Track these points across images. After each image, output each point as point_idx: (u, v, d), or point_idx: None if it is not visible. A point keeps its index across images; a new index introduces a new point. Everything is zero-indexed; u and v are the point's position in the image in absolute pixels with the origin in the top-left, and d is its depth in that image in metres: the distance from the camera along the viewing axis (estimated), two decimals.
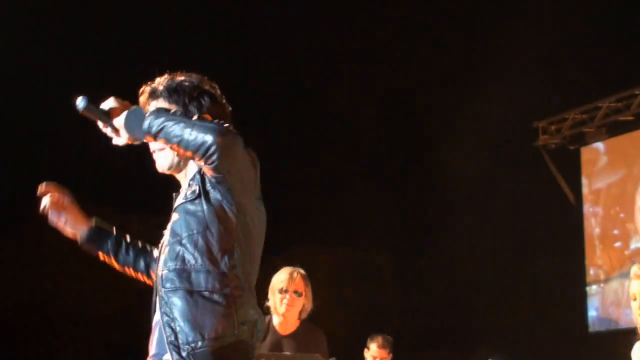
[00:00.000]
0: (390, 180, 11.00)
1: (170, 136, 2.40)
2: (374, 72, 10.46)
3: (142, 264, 2.82)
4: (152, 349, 2.54)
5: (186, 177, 2.64)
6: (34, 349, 9.83)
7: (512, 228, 10.12)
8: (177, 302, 2.40)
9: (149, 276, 2.81)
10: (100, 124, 2.56)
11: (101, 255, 2.83)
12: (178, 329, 2.38)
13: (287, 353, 4.62)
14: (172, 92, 2.63)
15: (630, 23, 9.36)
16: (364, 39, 10.34)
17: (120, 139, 2.56)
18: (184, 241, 2.46)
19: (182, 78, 2.68)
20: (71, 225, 2.78)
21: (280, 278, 4.85)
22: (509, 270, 10.09)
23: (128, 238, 2.85)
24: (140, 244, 2.86)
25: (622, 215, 10.03)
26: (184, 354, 2.36)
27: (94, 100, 2.54)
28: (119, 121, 2.51)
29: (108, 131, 2.57)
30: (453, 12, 10.16)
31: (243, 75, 9.53)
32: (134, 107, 2.53)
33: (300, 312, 4.92)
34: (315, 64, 10.26)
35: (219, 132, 2.36)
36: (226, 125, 2.45)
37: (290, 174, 10.02)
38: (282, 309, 4.83)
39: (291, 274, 4.85)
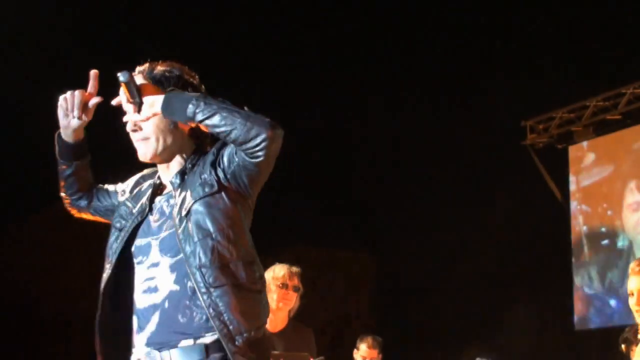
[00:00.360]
0: (374, 186, 10.97)
1: (220, 124, 2.39)
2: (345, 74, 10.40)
3: (82, 203, 2.83)
4: (149, 332, 2.50)
5: (169, 169, 2.63)
6: (24, 348, 9.78)
7: (499, 226, 10.13)
8: (225, 297, 2.41)
9: (70, 204, 2.84)
10: (125, 99, 2.54)
11: (62, 165, 2.77)
12: (229, 321, 2.40)
13: (276, 352, 4.54)
14: (157, 82, 2.59)
15: (616, 23, 9.37)
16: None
17: (138, 116, 2.52)
18: (214, 235, 2.46)
19: (165, 67, 2.63)
20: (80, 125, 2.67)
21: (279, 273, 4.77)
22: (496, 268, 10.09)
23: (86, 171, 2.82)
24: (90, 182, 2.84)
25: (609, 212, 10.06)
26: (238, 343, 2.39)
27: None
28: (151, 100, 2.49)
29: (129, 107, 2.53)
30: (444, 14, 10.12)
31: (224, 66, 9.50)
32: (173, 91, 2.50)
33: (290, 310, 4.87)
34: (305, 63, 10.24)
35: (272, 125, 2.38)
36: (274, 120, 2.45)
37: (280, 177, 9.98)
38: (282, 304, 4.76)
39: (290, 270, 4.82)
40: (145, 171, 2.80)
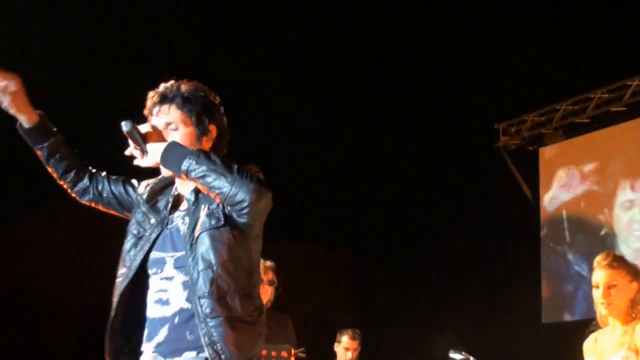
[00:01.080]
0: (356, 183, 11.01)
1: (209, 186, 2.46)
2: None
3: (82, 184, 2.82)
4: (155, 344, 2.57)
5: (184, 184, 2.66)
6: (18, 338, 9.74)
7: (473, 223, 10.22)
8: (219, 328, 2.46)
9: (75, 191, 2.83)
10: (132, 144, 2.57)
11: (37, 152, 2.77)
12: (220, 350, 2.45)
13: None
14: (185, 100, 2.64)
15: (585, 30, 9.45)
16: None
17: (145, 162, 2.57)
18: (215, 268, 2.50)
19: (192, 87, 2.68)
20: (13, 109, 2.66)
21: None
22: (469, 262, 10.18)
23: (66, 147, 2.81)
24: (81, 160, 2.84)
25: (578, 210, 10.15)
26: None
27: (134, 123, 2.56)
28: (154, 149, 2.53)
29: (136, 152, 2.57)
30: (420, 20, 10.17)
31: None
32: (172, 142, 2.54)
33: (267, 302, 4.96)
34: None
35: (256, 190, 2.45)
36: (261, 178, 2.51)
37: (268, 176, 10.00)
38: None
39: (264, 264, 4.87)
40: (159, 178, 2.79)
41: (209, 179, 2.45)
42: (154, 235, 2.64)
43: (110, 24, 8.77)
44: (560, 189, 10.39)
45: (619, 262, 3.55)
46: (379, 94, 10.51)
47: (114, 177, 2.85)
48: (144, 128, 2.56)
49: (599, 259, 3.59)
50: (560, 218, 10.29)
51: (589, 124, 10.14)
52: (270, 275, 4.87)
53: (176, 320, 2.54)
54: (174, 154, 2.50)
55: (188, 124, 2.64)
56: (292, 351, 4.63)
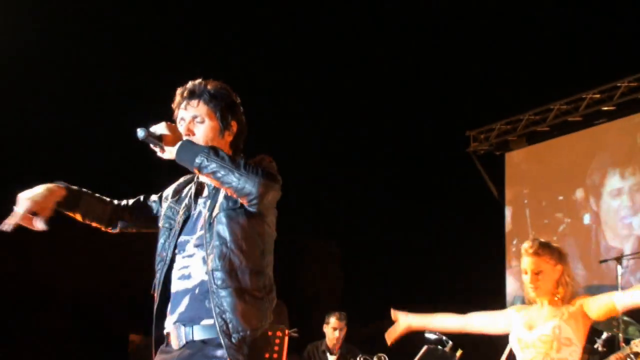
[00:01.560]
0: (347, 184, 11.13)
1: (220, 181, 2.45)
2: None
3: (120, 225, 2.81)
4: (178, 314, 2.56)
5: None
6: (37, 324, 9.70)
7: (446, 218, 10.28)
8: (228, 298, 2.45)
9: (112, 227, 2.80)
10: (152, 145, 2.55)
11: (74, 215, 2.73)
12: (229, 319, 2.44)
13: None
14: (212, 97, 2.63)
15: (545, 46, 9.56)
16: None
17: (165, 156, 2.56)
18: (229, 244, 2.51)
19: (218, 85, 2.68)
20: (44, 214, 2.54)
21: None
22: (442, 254, 10.26)
23: (93, 195, 2.77)
24: (106, 199, 2.80)
25: (536, 209, 10.26)
26: (234, 340, 2.43)
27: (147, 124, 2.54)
28: (170, 149, 2.51)
29: (157, 149, 2.55)
30: (402, 31, 10.21)
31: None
32: (185, 141, 2.52)
33: None
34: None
35: (263, 184, 2.43)
36: (271, 172, 2.48)
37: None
38: None
39: None
40: (182, 179, 2.81)
41: (219, 174, 2.43)
42: (181, 221, 2.65)
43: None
44: (523, 190, 10.56)
45: (544, 248, 3.51)
46: (371, 99, 10.54)
47: (136, 199, 2.85)
48: (159, 129, 2.52)
49: (525, 247, 3.55)
50: (524, 215, 10.42)
51: (548, 132, 10.23)
52: None
53: (197, 291, 2.52)
54: (187, 152, 2.48)
55: (213, 118, 2.63)
56: (286, 331, 4.82)
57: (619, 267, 6.28)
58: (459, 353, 5.43)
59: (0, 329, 9.39)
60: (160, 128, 2.54)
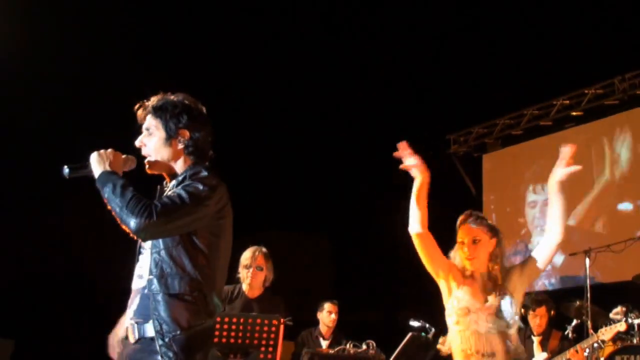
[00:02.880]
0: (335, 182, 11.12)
1: (111, 208, 2.47)
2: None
3: None
4: (132, 310, 2.61)
5: (169, 181, 2.70)
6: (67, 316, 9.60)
7: (429, 216, 10.27)
8: (160, 302, 2.50)
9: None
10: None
11: None
12: (162, 321, 2.49)
13: (253, 313, 4.75)
14: (157, 109, 2.65)
15: (519, 53, 9.59)
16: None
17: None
18: (162, 252, 2.54)
19: (169, 98, 2.68)
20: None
21: (246, 255, 4.99)
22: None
23: None
24: None
25: (508, 209, 10.34)
26: (166, 339, 2.48)
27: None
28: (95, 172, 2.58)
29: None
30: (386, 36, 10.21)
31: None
32: (99, 174, 2.55)
33: (264, 281, 5.10)
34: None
35: (142, 225, 2.39)
36: (166, 208, 2.43)
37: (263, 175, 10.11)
38: (247, 280, 5.03)
39: (254, 253, 4.99)
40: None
41: (110, 206, 2.47)
42: None
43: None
44: (499, 189, 10.60)
45: (480, 220, 3.44)
46: (357, 101, 10.51)
47: None
48: (91, 158, 2.58)
49: (462, 217, 3.48)
50: (502, 212, 10.47)
51: (522, 135, 10.31)
52: (259, 262, 4.96)
53: (146, 291, 2.56)
54: (98, 182, 2.53)
55: (160, 129, 2.64)
56: (282, 320, 4.83)
57: (587, 259, 6.32)
58: (441, 340, 5.42)
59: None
60: (91, 158, 2.58)
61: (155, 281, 2.52)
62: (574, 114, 9.70)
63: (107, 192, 2.49)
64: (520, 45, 9.65)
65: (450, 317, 3.37)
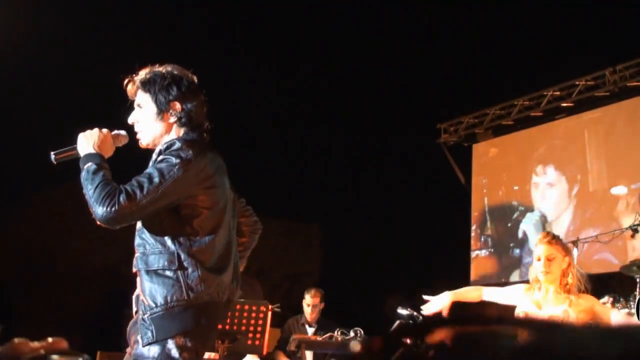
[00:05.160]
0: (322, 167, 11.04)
1: (86, 191, 2.41)
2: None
3: None
4: (136, 294, 2.57)
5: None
6: (40, 298, 9.65)
7: (419, 204, 10.30)
8: (142, 280, 2.46)
9: None
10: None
11: None
12: (143, 299, 2.44)
13: (241, 300, 4.73)
14: (145, 83, 2.56)
15: (508, 44, 9.56)
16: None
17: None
18: (140, 230, 2.52)
19: (157, 70, 2.58)
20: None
21: None
22: (415, 237, 10.27)
23: None
24: None
25: (500, 193, 10.29)
26: (146, 317, 2.41)
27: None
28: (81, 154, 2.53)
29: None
30: (379, 29, 10.15)
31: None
32: (82, 157, 2.49)
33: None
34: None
35: (101, 213, 2.32)
36: (117, 198, 2.34)
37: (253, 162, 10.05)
38: None
39: None
40: None
41: (85, 188, 2.40)
42: None
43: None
44: (488, 178, 10.57)
45: (556, 240, 3.67)
46: (349, 90, 10.47)
47: None
48: (80, 144, 2.52)
49: (540, 237, 3.70)
50: (489, 202, 10.44)
51: (512, 125, 10.29)
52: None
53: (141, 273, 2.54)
54: (80, 163, 2.47)
55: (149, 102, 2.56)
56: (270, 307, 4.79)
57: (575, 249, 6.30)
58: None
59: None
60: (79, 142, 2.51)
61: (138, 259, 2.48)
62: (565, 105, 9.68)
63: (82, 179, 2.42)
64: (511, 36, 9.64)
65: None
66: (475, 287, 4.01)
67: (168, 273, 2.42)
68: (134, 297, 2.56)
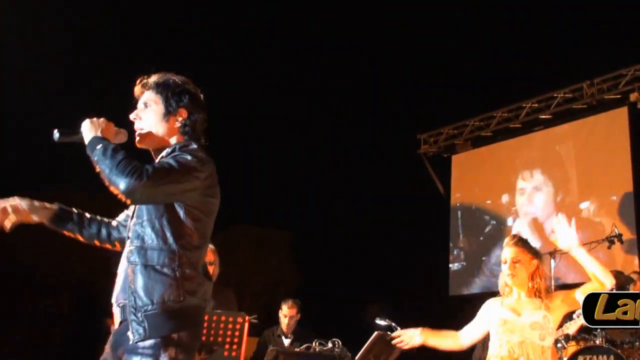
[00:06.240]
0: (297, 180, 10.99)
1: (100, 172, 2.37)
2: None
3: (104, 234, 2.74)
4: (117, 292, 2.50)
5: (156, 158, 2.60)
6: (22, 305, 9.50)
7: (398, 213, 10.32)
8: (137, 274, 2.38)
9: (112, 244, 2.76)
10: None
11: (67, 233, 2.73)
12: (136, 295, 2.37)
13: (218, 310, 4.61)
14: (159, 85, 2.60)
15: (488, 59, 9.67)
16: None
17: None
18: (144, 223, 2.45)
19: (171, 77, 2.64)
20: (27, 218, 2.64)
21: None
22: (393, 247, 10.29)
23: (87, 215, 2.75)
24: (99, 218, 2.76)
25: (479, 205, 10.34)
26: (139, 315, 2.35)
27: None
28: (85, 137, 2.49)
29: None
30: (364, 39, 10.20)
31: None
32: (90, 138, 2.46)
33: (212, 276, 5.00)
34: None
35: (132, 184, 2.30)
36: (159, 171, 2.35)
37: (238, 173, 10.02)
38: None
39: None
40: None
41: (99, 167, 2.35)
42: (131, 211, 2.60)
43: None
44: (466, 188, 10.60)
45: (523, 242, 3.60)
46: (329, 101, 10.50)
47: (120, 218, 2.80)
48: (82, 125, 2.50)
49: (507, 240, 3.63)
50: (468, 211, 10.50)
51: (491, 137, 10.35)
52: (211, 257, 4.81)
53: (126, 272, 2.45)
54: (88, 146, 2.43)
55: (158, 103, 2.58)
56: (247, 317, 4.74)
57: (552, 260, 6.33)
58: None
59: None
60: (83, 125, 2.50)
61: (135, 252, 2.41)
62: (543, 116, 9.74)
63: (97, 154, 2.38)
64: (490, 49, 9.74)
65: (496, 327, 3.58)
66: (452, 332, 3.91)
67: (166, 271, 2.39)
68: (117, 306, 2.48)
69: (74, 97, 7.89)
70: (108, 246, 2.78)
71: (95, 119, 2.53)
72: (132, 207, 2.58)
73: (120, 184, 2.30)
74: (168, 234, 2.43)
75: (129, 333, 2.34)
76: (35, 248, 9.38)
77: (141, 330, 2.34)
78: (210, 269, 4.76)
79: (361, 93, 10.39)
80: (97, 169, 2.38)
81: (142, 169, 2.33)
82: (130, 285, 2.39)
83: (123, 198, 2.33)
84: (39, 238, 9.29)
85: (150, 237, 2.43)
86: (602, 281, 3.29)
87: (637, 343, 5.59)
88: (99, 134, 2.47)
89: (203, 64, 9.30)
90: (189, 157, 2.45)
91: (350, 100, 10.41)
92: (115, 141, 2.54)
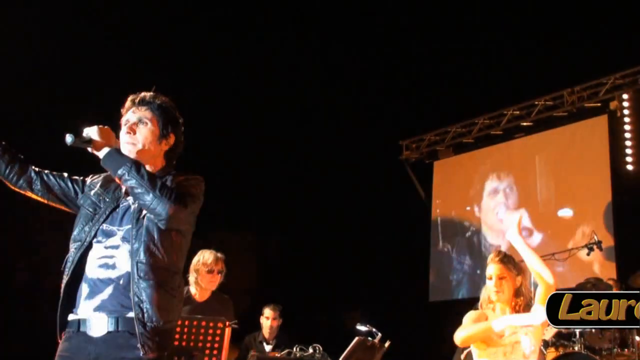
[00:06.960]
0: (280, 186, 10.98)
1: (136, 197, 2.49)
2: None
3: (21, 183, 2.72)
4: (101, 300, 2.51)
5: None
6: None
7: (379, 220, 10.33)
8: (148, 290, 2.46)
9: (35, 193, 2.73)
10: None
11: None
12: (145, 309, 2.45)
13: (199, 316, 4.63)
14: (159, 107, 2.71)
15: (471, 64, 9.70)
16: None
17: (97, 153, 2.57)
18: (155, 241, 2.52)
19: (167, 100, 2.75)
20: None
21: (208, 260, 4.85)
22: (375, 254, 10.28)
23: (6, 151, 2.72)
24: (17, 161, 2.72)
25: (458, 212, 10.41)
26: (148, 328, 2.43)
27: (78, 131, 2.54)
28: (100, 152, 2.53)
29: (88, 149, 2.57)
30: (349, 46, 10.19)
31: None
32: (112, 149, 2.53)
33: (217, 284, 4.99)
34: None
35: (173, 208, 2.47)
36: (187, 195, 2.52)
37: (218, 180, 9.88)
38: (208, 285, 4.85)
39: (216, 256, 4.87)
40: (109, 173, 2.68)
41: (137, 191, 2.46)
42: (108, 211, 2.63)
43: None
44: (447, 195, 10.68)
45: (508, 259, 3.65)
46: (310, 106, 10.51)
47: (58, 174, 2.79)
48: (91, 132, 2.53)
49: (492, 256, 3.69)
50: (448, 218, 10.55)
51: (473, 143, 10.44)
52: (220, 266, 4.85)
53: (121, 282, 2.51)
54: (112, 160, 2.50)
55: (155, 124, 2.68)
56: (227, 323, 4.71)
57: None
58: (387, 344, 5.41)
59: None
60: (92, 132, 2.55)
61: (145, 268, 2.48)
62: (524, 124, 9.83)
63: (130, 172, 2.48)
64: (472, 56, 9.77)
65: (474, 349, 3.62)
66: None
67: (174, 293, 2.54)
68: (99, 314, 2.49)
69: (58, 102, 7.80)
70: (11, 184, 2.73)
71: (102, 126, 2.60)
72: (109, 196, 2.66)
73: (161, 209, 2.46)
74: (175, 255, 2.58)
75: (138, 345, 2.42)
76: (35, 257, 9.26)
77: (150, 344, 2.43)
78: (220, 278, 4.86)
79: (342, 99, 10.36)
80: (126, 186, 2.50)
81: (177, 194, 2.50)
82: (138, 300, 2.46)
83: (159, 222, 2.49)
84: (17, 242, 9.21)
85: (161, 255, 2.53)
86: (546, 280, 3.34)
87: (615, 349, 5.65)
88: (115, 146, 2.57)
89: (178, 71, 9.22)
90: (193, 182, 2.65)
91: (331, 106, 10.38)
92: None
